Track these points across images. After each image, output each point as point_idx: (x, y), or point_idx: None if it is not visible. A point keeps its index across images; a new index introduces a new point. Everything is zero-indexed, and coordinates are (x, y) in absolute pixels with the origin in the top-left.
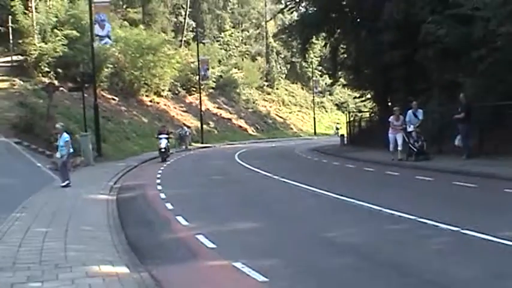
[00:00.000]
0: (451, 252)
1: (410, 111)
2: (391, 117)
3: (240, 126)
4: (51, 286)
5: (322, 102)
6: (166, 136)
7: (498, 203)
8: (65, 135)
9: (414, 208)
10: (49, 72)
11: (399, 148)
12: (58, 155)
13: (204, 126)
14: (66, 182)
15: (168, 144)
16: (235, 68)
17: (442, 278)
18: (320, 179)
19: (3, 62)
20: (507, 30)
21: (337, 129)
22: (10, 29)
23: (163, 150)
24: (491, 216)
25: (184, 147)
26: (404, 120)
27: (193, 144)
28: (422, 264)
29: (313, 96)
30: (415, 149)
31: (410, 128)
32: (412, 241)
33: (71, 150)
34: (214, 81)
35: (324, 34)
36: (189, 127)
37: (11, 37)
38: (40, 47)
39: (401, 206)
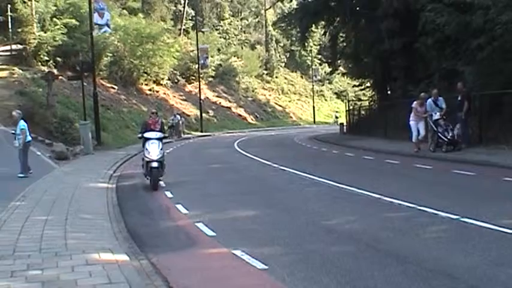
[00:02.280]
0: (451, 240)
1: (430, 100)
2: (415, 102)
3: (240, 115)
4: (51, 274)
5: (321, 91)
6: (160, 135)
7: (497, 191)
8: (22, 123)
9: (413, 196)
10: (48, 61)
11: (420, 138)
12: (16, 143)
13: (204, 114)
14: (27, 172)
15: (162, 151)
16: (234, 56)
17: (442, 266)
18: (319, 167)
19: (3, 51)
20: (507, 18)
21: (336, 117)
22: (9, 17)
23: (155, 166)
24: (491, 205)
25: (176, 136)
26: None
27: (192, 132)
28: (421, 252)
29: (313, 85)
30: (445, 139)
31: (436, 116)
32: (411, 229)
33: (29, 138)
34: (213, 70)
35: (323, 22)
36: (180, 114)
37: (10, 26)
38: (39, 35)
39: (401, 194)
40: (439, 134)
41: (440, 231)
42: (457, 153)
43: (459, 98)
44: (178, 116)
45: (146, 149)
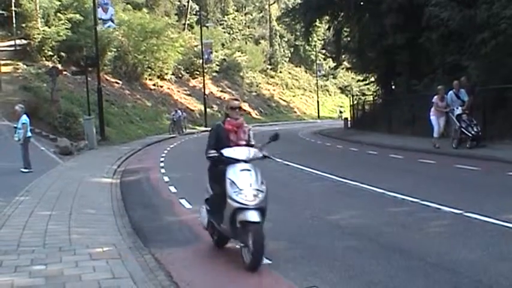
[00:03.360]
0: (454, 234)
1: (451, 92)
2: (435, 97)
3: (244, 110)
4: (55, 269)
5: (325, 86)
6: (255, 155)
7: (501, 186)
8: (24, 117)
9: (417, 191)
10: (52, 56)
11: (435, 135)
12: (16, 137)
13: (208, 109)
14: (27, 168)
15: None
16: (238, 51)
17: (445, 260)
18: (323, 162)
19: (7, 46)
20: (511, 13)
21: (340, 112)
22: (13, 13)
23: (254, 220)
24: (494, 199)
25: (178, 132)
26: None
27: (197, 127)
28: (424, 246)
29: (317, 80)
30: (470, 135)
31: (458, 111)
32: (414, 224)
33: (29, 134)
34: (217, 65)
35: (327, 17)
36: (182, 109)
37: (14, 21)
38: (43, 30)
39: (405, 188)
40: (463, 129)
41: (443, 226)
42: (480, 149)
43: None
44: (179, 111)
45: (231, 183)
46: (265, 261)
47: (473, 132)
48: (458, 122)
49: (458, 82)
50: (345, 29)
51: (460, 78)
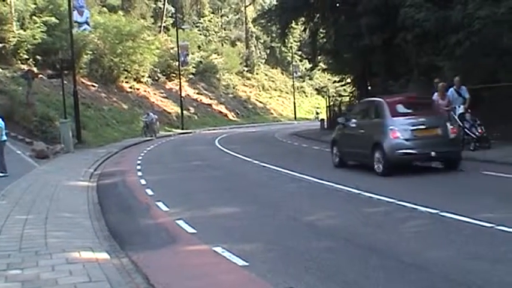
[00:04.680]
0: (429, 234)
1: (452, 89)
2: (435, 94)
3: (220, 112)
4: (32, 273)
5: (302, 87)
6: None
7: (476, 185)
8: None
9: (393, 191)
10: (28, 59)
11: None
12: None
13: (184, 112)
14: (3, 172)
15: None
16: (214, 53)
17: (420, 260)
18: (300, 164)
19: None
20: (485, 13)
21: (317, 113)
22: None
23: None
24: (470, 199)
25: (151, 135)
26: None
27: (173, 130)
28: (400, 246)
29: (293, 81)
30: (474, 136)
31: (460, 109)
32: (390, 224)
33: (4, 137)
34: (194, 67)
35: (303, 19)
36: (154, 112)
37: None
38: (19, 34)
39: (380, 189)
40: (466, 130)
41: (419, 226)
42: (485, 151)
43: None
44: (152, 114)
45: None
46: (242, 262)
47: (477, 134)
48: (461, 122)
49: (459, 78)
50: (320, 30)
51: (437, 77)
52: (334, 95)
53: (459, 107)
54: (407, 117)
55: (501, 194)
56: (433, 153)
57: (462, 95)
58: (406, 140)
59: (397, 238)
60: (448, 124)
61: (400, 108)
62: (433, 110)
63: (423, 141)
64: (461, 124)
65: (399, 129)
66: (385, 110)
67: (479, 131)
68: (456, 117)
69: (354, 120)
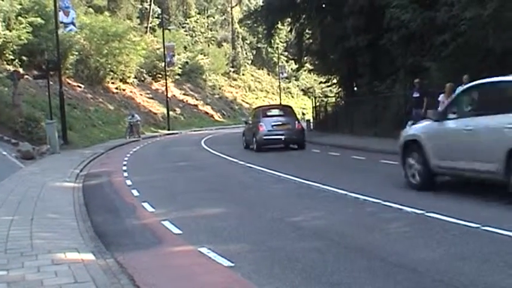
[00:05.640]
0: (415, 234)
1: (460, 88)
2: (441, 95)
3: (207, 113)
4: (17, 274)
5: (288, 88)
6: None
7: (463, 186)
8: None
9: (379, 191)
10: (14, 59)
11: None
12: None
13: (171, 112)
14: None
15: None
16: (201, 54)
17: (406, 260)
18: (286, 164)
19: None
20: (471, 14)
21: (303, 114)
22: None
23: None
24: (456, 200)
25: (134, 137)
26: None
27: (159, 131)
28: (386, 247)
29: (279, 82)
30: None
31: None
32: (376, 224)
33: None
34: (180, 68)
35: (289, 19)
36: (138, 113)
37: None
38: (4, 34)
39: (366, 189)
40: None
41: (405, 226)
42: None
43: (417, 95)
44: (136, 115)
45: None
46: (227, 263)
47: None
48: None
49: (467, 77)
50: (307, 31)
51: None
52: (321, 95)
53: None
54: (270, 118)
55: None
56: (283, 138)
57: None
58: (269, 130)
59: (383, 238)
60: (296, 122)
61: (267, 113)
62: (288, 113)
63: (278, 131)
64: None
65: (264, 124)
66: (260, 113)
67: None
68: None
69: (250, 119)
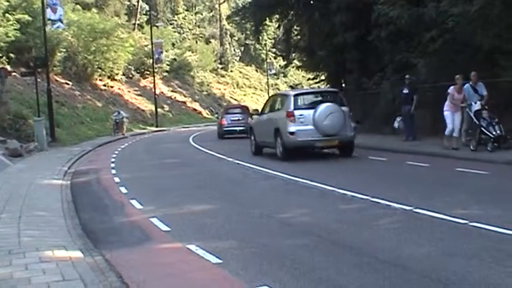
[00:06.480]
0: (404, 231)
1: (468, 85)
2: (451, 88)
3: (195, 109)
4: (5, 272)
5: (276, 84)
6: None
7: (450, 181)
8: None
9: (367, 188)
10: (1, 57)
11: (455, 134)
12: None
13: (159, 109)
14: None
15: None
16: (189, 51)
17: (394, 257)
18: (273, 161)
19: None
20: (458, 10)
21: None
22: None
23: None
24: (444, 195)
25: (121, 134)
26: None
27: (148, 128)
28: (375, 243)
29: (268, 78)
30: (491, 135)
31: (476, 106)
32: (365, 221)
33: None
34: (168, 65)
35: (277, 16)
36: (122, 111)
37: None
38: None
39: (354, 186)
40: (483, 128)
41: (393, 223)
42: (504, 151)
43: (406, 91)
44: (122, 113)
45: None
46: (215, 260)
47: (494, 133)
48: (477, 120)
49: (476, 73)
50: (294, 27)
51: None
52: None
53: (475, 103)
54: (231, 115)
55: None
56: (238, 129)
57: (479, 92)
58: (228, 123)
59: (371, 235)
60: (246, 117)
61: (229, 110)
62: (243, 111)
63: (234, 124)
64: (477, 122)
65: (226, 119)
66: (223, 112)
67: (498, 130)
68: (472, 115)
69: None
